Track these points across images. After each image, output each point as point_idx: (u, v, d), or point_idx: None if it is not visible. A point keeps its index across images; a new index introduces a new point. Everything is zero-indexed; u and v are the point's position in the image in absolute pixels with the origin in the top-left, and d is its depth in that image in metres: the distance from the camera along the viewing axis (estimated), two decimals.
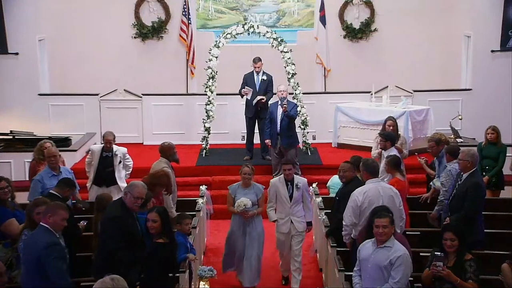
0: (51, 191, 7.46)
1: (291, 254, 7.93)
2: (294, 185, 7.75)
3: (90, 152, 9.76)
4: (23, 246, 6.10)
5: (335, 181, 8.98)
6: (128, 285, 5.88)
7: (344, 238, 7.13)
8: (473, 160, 7.35)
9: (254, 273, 7.82)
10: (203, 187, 9.66)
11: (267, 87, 11.61)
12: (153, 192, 7.19)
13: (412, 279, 5.94)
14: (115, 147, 9.53)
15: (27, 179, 9.27)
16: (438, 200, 7.94)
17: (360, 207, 6.81)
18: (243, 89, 11.60)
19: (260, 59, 11.61)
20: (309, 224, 8.02)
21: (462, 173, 7.45)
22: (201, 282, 6.94)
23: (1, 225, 6.94)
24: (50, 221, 5.70)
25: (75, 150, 11.67)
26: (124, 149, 9.70)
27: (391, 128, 9.43)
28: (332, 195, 9.30)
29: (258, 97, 11.54)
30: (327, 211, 8.45)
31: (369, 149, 10.29)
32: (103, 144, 9.57)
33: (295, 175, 7.88)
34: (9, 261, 6.59)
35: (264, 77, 11.63)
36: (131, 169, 9.71)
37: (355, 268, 6.08)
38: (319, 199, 9.14)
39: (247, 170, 7.82)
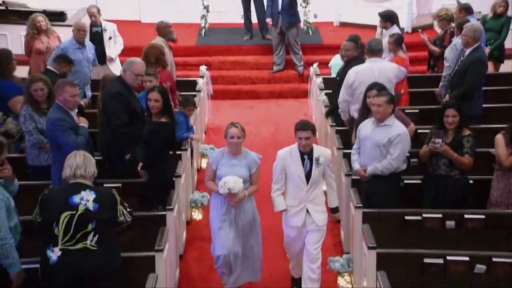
0: (48, 66, 7.43)
1: (305, 257, 5.45)
2: (314, 159, 5.34)
3: None
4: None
5: (336, 62, 8.88)
6: (133, 163, 6.04)
7: (341, 116, 7.22)
8: (475, 35, 7.18)
9: (256, 269, 5.64)
10: (203, 67, 9.61)
11: None
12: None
13: (408, 155, 6.06)
14: (103, 22, 9.34)
15: (24, 53, 9.11)
16: (442, 76, 7.91)
17: (351, 86, 6.87)
18: None
19: None
20: (335, 210, 5.63)
21: (465, 49, 7.34)
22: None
23: (10, 99, 6.95)
24: (61, 99, 5.70)
25: (70, 26, 11.36)
26: (114, 25, 9.51)
27: None
28: (334, 75, 9.26)
29: None
30: (327, 91, 8.46)
31: (372, 27, 10.07)
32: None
33: (314, 145, 5.45)
34: (19, 133, 6.73)
35: None
36: (122, 47, 9.55)
37: (354, 146, 6.17)
38: (319, 79, 9.11)
39: (235, 131, 5.31)
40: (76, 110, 5.90)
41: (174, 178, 6.19)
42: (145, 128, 5.97)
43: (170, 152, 6.12)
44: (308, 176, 5.32)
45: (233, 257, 5.42)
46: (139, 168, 5.97)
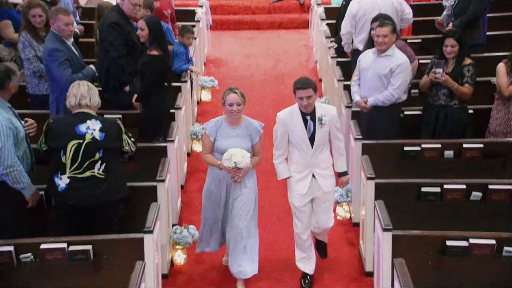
0: None
1: (314, 230, 5.02)
2: (317, 119, 4.78)
3: None
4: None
5: None
6: (131, 94, 6.03)
7: (344, 48, 7.13)
8: None
9: (250, 254, 4.90)
10: None
11: None
12: None
13: (410, 85, 6.03)
14: None
15: None
16: (448, 5, 7.75)
17: (354, 17, 6.75)
18: None
19: None
20: (342, 174, 5.02)
21: None
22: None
23: None
24: (55, 28, 5.62)
25: None
26: None
27: None
28: (335, 5, 9.09)
29: None
30: (328, 21, 8.32)
31: None
32: None
33: (317, 103, 4.84)
34: (14, 61, 6.68)
35: None
36: None
37: (354, 78, 6.13)
38: (320, 9, 8.94)
39: (234, 98, 4.73)
40: (72, 40, 5.83)
41: (174, 110, 6.20)
42: (139, 60, 5.93)
43: (165, 84, 6.08)
44: (312, 138, 4.77)
45: (218, 225, 4.99)
46: (133, 100, 5.96)
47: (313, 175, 4.84)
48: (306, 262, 5.01)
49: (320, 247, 5.22)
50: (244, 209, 4.83)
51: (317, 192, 4.86)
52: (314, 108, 4.77)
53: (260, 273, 4.96)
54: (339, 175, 5.00)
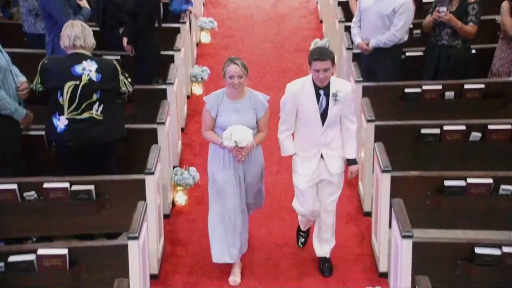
0: None
1: (319, 213, 4.56)
2: (331, 95, 4.26)
3: None
4: None
5: None
6: (123, 33, 5.96)
7: None
8: None
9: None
10: None
11: None
12: None
13: (412, 26, 5.95)
14: None
15: None
16: None
17: None
18: None
19: None
20: (351, 162, 4.44)
21: None
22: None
23: None
24: None
25: None
26: None
27: None
28: None
29: None
30: None
31: None
32: None
33: (332, 77, 4.33)
34: None
35: None
36: None
37: (354, 19, 6.04)
38: None
39: (235, 69, 4.24)
40: None
41: (173, 52, 6.15)
42: (130, 1, 5.85)
43: (156, 26, 6.02)
44: (324, 115, 4.26)
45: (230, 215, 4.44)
46: (124, 44, 5.90)
47: (321, 156, 4.36)
48: (306, 224, 4.75)
49: (324, 265, 4.63)
50: (252, 188, 4.45)
51: (324, 174, 4.39)
52: (329, 82, 4.26)
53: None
54: (348, 162, 4.43)
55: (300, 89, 4.28)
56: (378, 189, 4.58)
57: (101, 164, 4.59)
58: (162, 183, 4.77)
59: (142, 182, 4.36)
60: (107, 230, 4.49)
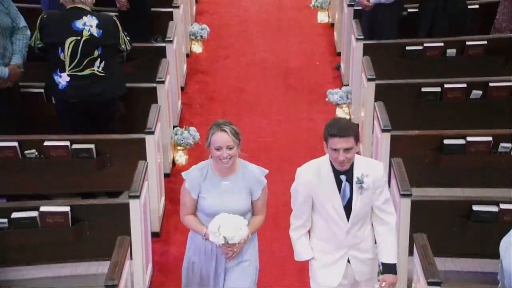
0: None
1: None
2: (354, 181, 3.21)
3: None
4: None
5: None
6: None
7: None
8: None
9: None
10: None
11: None
12: None
13: None
14: None
15: None
16: None
17: None
18: None
19: None
20: (388, 269, 3.28)
21: None
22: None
23: None
24: None
25: None
26: None
27: None
28: None
29: None
30: None
31: None
32: None
33: (357, 156, 3.24)
34: None
35: None
36: None
37: None
38: None
39: (222, 138, 3.22)
40: None
41: (172, 9, 6.07)
42: None
43: None
44: (348, 207, 3.23)
45: None
46: None
47: (348, 260, 3.31)
48: None
49: None
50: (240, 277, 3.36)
51: (354, 278, 3.35)
52: (352, 163, 3.21)
53: None
54: (383, 268, 3.29)
55: (314, 175, 3.22)
56: (377, 148, 4.58)
57: (102, 122, 4.58)
58: (162, 143, 4.78)
59: (143, 141, 4.36)
60: (108, 188, 4.53)
